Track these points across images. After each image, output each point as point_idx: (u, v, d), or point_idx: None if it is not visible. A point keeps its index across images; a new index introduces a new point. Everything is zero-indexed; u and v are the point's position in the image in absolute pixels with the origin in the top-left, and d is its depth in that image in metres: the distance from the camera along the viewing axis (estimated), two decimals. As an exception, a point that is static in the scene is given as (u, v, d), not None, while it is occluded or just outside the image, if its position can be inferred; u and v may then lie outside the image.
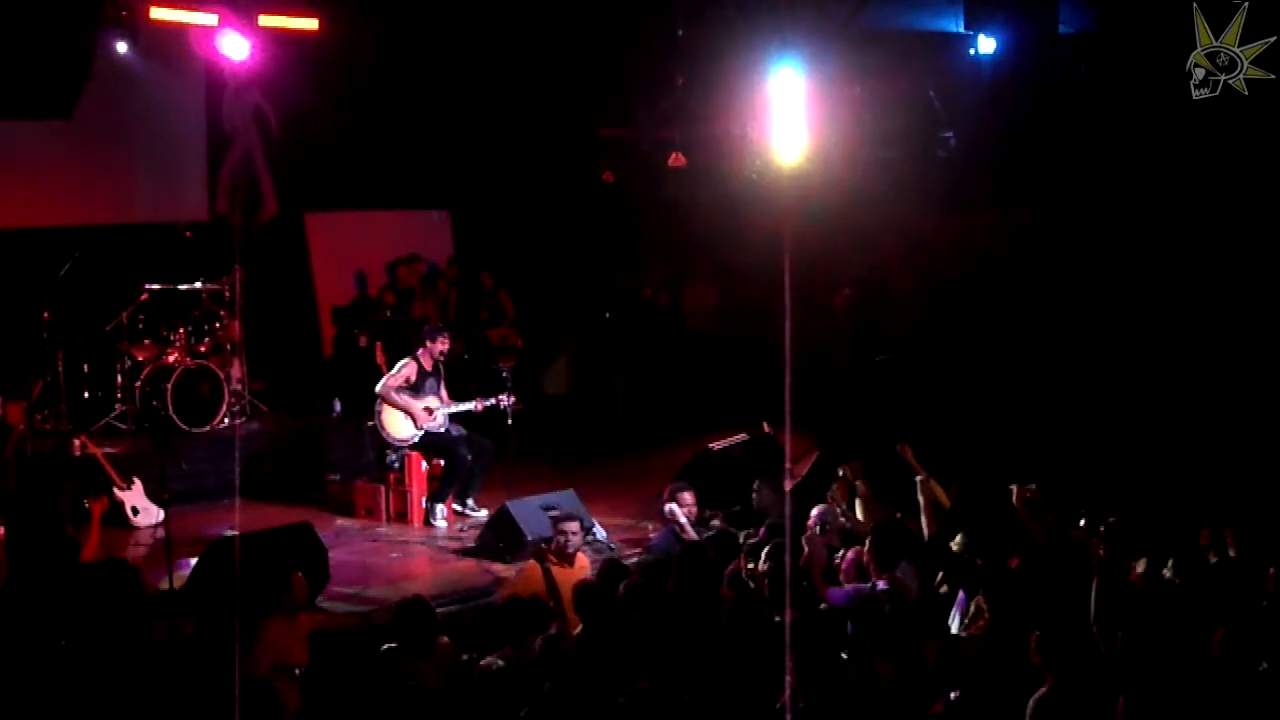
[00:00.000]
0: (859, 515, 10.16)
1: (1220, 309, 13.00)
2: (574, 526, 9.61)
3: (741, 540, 9.41)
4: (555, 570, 9.38)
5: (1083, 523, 8.88)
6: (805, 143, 12.84)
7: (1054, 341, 13.86)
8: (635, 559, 10.69)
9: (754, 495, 10.88)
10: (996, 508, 9.13)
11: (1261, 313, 12.78)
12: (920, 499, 9.49)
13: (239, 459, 12.94)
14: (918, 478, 9.62)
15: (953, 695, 6.80)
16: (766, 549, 8.77)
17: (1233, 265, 13.00)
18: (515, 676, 7.12)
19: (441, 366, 12.41)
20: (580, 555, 9.72)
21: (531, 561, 9.65)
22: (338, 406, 14.96)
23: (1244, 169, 12.71)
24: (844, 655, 7.18)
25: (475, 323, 16.35)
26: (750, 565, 8.81)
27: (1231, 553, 8.43)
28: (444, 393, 12.35)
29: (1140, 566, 8.04)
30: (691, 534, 10.14)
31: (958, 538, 8.99)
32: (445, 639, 8.00)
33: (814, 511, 9.69)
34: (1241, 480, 10.71)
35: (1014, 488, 8.97)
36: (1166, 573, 7.89)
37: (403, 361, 12.30)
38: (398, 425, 12.14)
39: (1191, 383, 12.80)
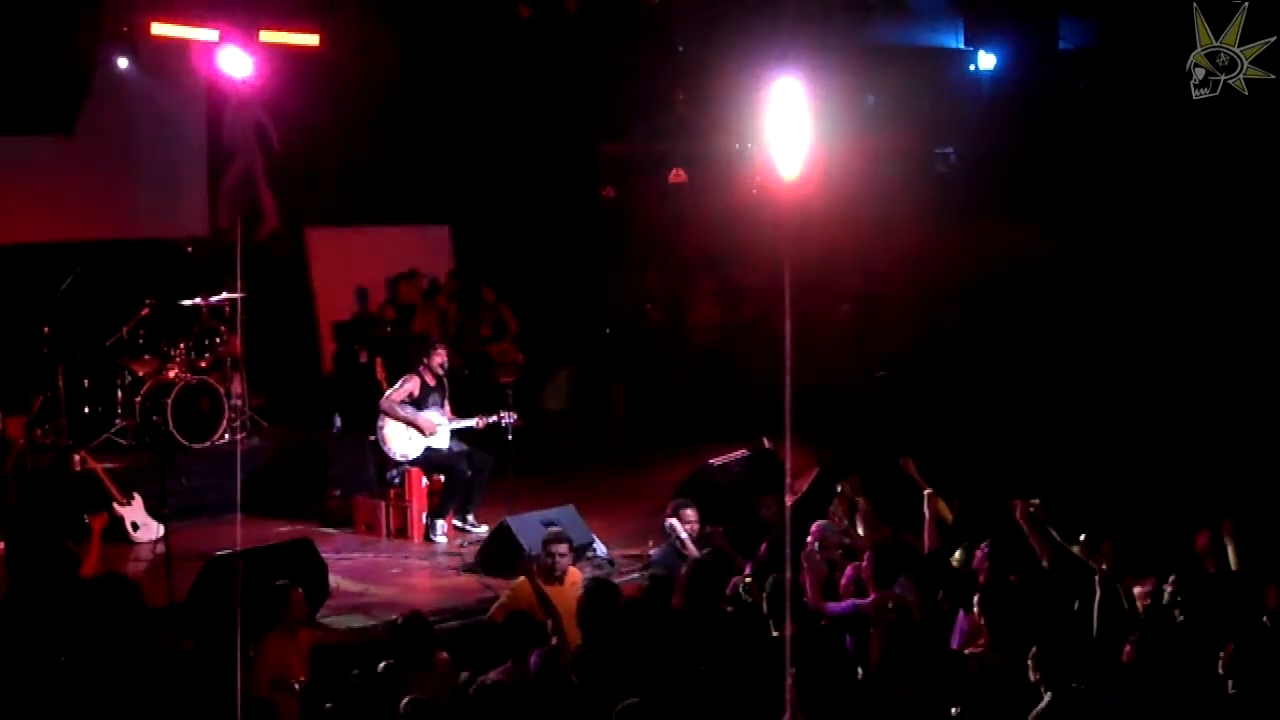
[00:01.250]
0: (859, 530, 10.15)
1: (1223, 315, 12.99)
2: (563, 548, 9.52)
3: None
4: (546, 589, 9.32)
5: (1083, 538, 8.86)
6: (805, 158, 12.83)
7: (1056, 355, 13.85)
8: (634, 575, 10.68)
9: (762, 510, 10.86)
10: (999, 523, 9.12)
11: (1264, 315, 12.76)
12: (925, 512, 9.46)
13: (239, 474, 12.92)
14: (925, 492, 9.60)
15: (954, 711, 6.79)
16: (765, 564, 8.78)
17: (1234, 268, 12.99)
18: (514, 692, 7.12)
19: (445, 381, 12.40)
20: (575, 572, 9.69)
21: (522, 579, 9.62)
22: (338, 422, 14.96)
23: (1244, 169, 12.72)
24: (847, 670, 7.18)
25: (476, 337, 16.35)
26: (749, 580, 8.79)
27: (1232, 558, 8.41)
28: (448, 408, 12.35)
29: (1143, 585, 8.01)
30: (693, 549, 10.11)
31: (957, 553, 8.98)
32: (444, 654, 7.99)
33: (814, 527, 9.68)
34: (1244, 493, 10.68)
35: (1018, 503, 8.96)
36: (1168, 588, 7.87)
37: (405, 376, 12.31)
38: (400, 441, 12.13)
39: (1195, 393, 12.78)
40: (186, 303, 13.89)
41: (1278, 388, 12.40)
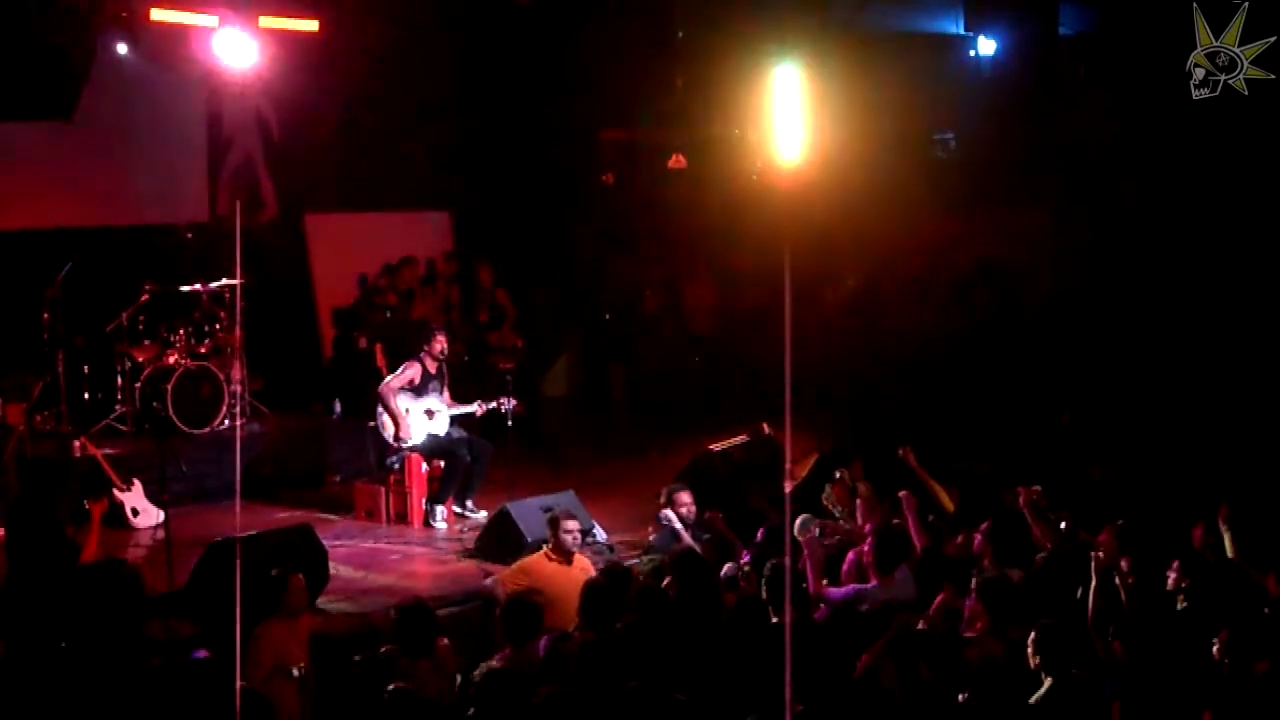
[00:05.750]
0: (858, 518, 10.14)
1: (1222, 311, 12.99)
2: (573, 524, 9.60)
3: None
4: (553, 567, 9.37)
5: (1064, 525, 8.87)
6: (805, 144, 12.83)
7: (1055, 342, 13.86)
8: (634, 561, 10.69)
9: (752, 501, 10.85)
10: (1000, 511, 9.13)
11: (1262, 312, 12.78)
12: (906, 513, 9.36)
13: (239, 460, 12.93)
14: (900, 493, 9.51)
15: (961, 698, 6.80)
16: (763, 550, 8.79)
17: (1233, 265, 12.99)
18: (514, 678, 7.12)
19: (444, 368, 12.41)
20: (580, 556, 9.71)
21: (535, 556, 9.61)
22: (338, 408, 14.97)
23: (1244, 169, 12.71)
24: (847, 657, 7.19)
25: (475, 323, 16.34)
26: (747, 568, 8.80)
27: (1230, 552, 8.42)
28: (446, 395, 12.35)
29: (1132, 569, 8.01)
30: (687, 537, 10.11)
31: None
32: (445, 641, 8.00)
33: (798, 521, 9.56)
34: (1244, 482, 10.69)
35: (1020, 490, 8.97)
36: (1171, 575, 7.88)
37: (406, 363, 12.30)
38: (400, 427, 12.15)
39: (1193, 382, 12.79)
40: (186, 289, 13.90)
41: (1275, 381, 12.41)
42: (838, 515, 10.50)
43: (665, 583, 8.55)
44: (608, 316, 17.28)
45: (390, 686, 6.90)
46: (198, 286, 13.93)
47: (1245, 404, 12.46)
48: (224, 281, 14.02)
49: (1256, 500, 9.20)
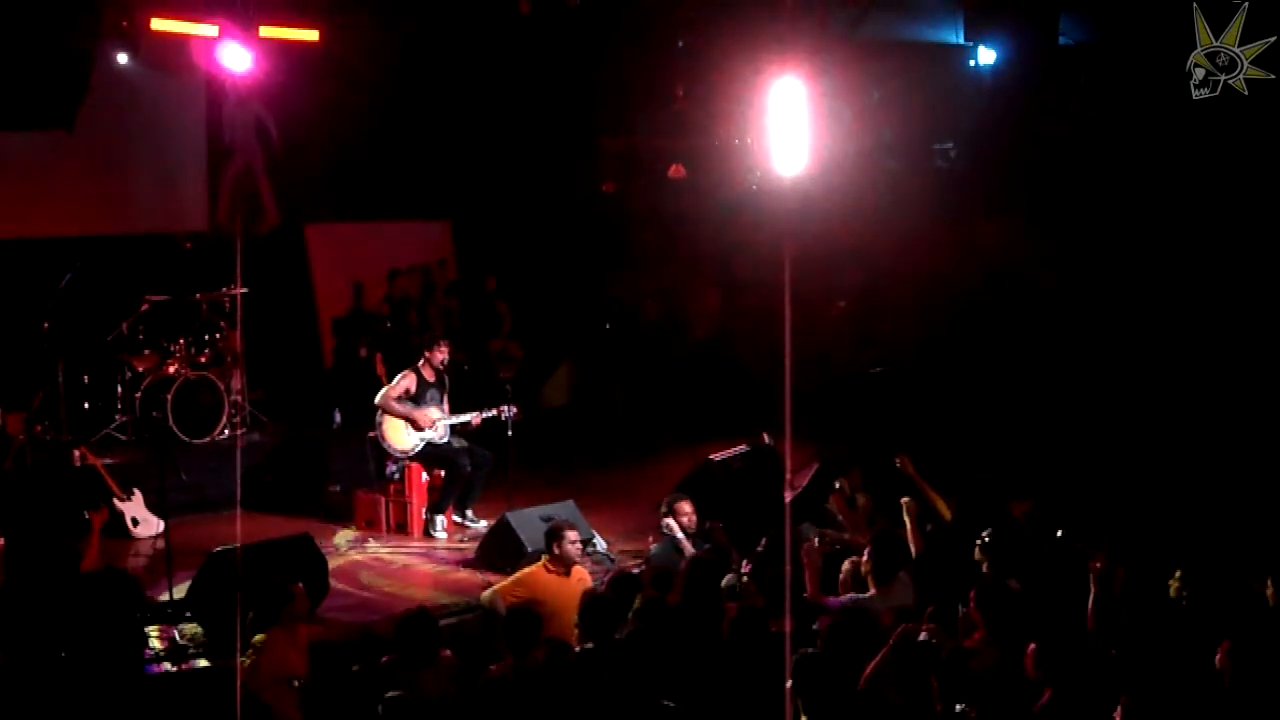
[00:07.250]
0: (856, 528, 10.13)
1: (1222, 314, 12.98)
2: (574, 535, 9.59)
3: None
4: (552, 579, 9.36)
5: (1060, 534, 8.85)
6: (805, 153, 12.82)
7: (1054, 352, 13.85)
8: (634, 571, 10.68)
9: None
10: (997, 521, 9.11)
11: (1263, 314, 12.76)
12: (905, 519, 9.36)
13: (239, 469, 12.93)
14: (902, 499, 9.51)
15: (958, 708, 6.79)
16: (763, 559, 8.79)
17: (1234, 268, 12.98)
18: (516, 687, 7.12)
19: (445, 378, 12.40)
20: (578, 567, 9.70)
21: (534, 567, 9.61)
22: (338, 417, 14.97)
23: (1244, 169, 12.71)
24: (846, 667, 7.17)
25: (475, 332, 16.34)
26: (745, 578, 8.80)
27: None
28: (446, 405, 12.35)
29: (1132, 578, 7.99)
30: (689, 546, 10.11)
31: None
32: (447, 651, 7.99)
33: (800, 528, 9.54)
34: (1242, 492, 10.69)
35: (1014, 505, 8.95)
36: (1174, 583, 7.87)
37: (401, 373, 12.31)
38: (399, 436, 12.14)
39: (1194, 391, 12.77)
40: (186, 298, 13.91)
41: (1276, 385, 12.39)
42: (841, 524, 10.49)
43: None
44: (608, 326, 17.28)
45: (388, 694, 6.89)
46: (198, 296, 13.95)
47: (1246, 407, 12.44)
48: (224, 291, 14.05)
49: (1254, 508, 9.19)
